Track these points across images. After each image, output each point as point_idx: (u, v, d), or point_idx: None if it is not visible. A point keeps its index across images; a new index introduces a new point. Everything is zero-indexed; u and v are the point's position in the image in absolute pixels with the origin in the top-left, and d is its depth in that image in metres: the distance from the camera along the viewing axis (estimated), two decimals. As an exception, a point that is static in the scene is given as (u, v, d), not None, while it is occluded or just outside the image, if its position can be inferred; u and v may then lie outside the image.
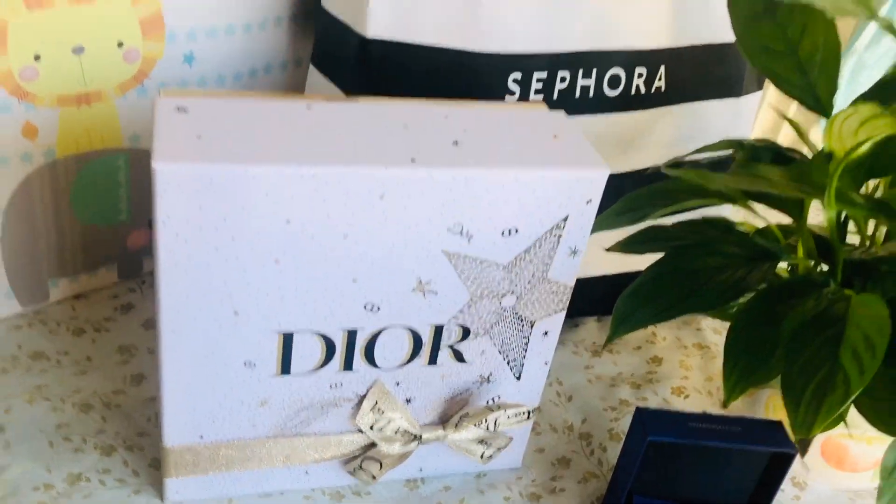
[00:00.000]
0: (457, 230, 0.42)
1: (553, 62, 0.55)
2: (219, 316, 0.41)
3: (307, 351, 0.44)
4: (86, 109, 0.54)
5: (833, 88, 0.47)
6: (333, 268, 0.41)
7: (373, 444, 0.48)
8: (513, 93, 0.54)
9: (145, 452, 0.50)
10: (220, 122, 0.40)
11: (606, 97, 0.58)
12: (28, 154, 0.53)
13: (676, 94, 0.61)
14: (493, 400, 0.49)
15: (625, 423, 0.58)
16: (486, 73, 0.53)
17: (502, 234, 0.43)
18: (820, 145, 0.47)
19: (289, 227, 0.40)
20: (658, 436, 0.45)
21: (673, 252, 0.44)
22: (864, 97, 0.43)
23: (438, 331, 0.45)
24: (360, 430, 0.48)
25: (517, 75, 0.54)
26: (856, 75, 0.86)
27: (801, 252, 0.47)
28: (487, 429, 0.49)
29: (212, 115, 0.41)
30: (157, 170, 0.37)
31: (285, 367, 0.44)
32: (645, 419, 0.46)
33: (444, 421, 0.49)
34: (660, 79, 0.59)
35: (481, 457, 0.51)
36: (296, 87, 0.64)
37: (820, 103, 0.47)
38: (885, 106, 0.37)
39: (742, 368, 0.39)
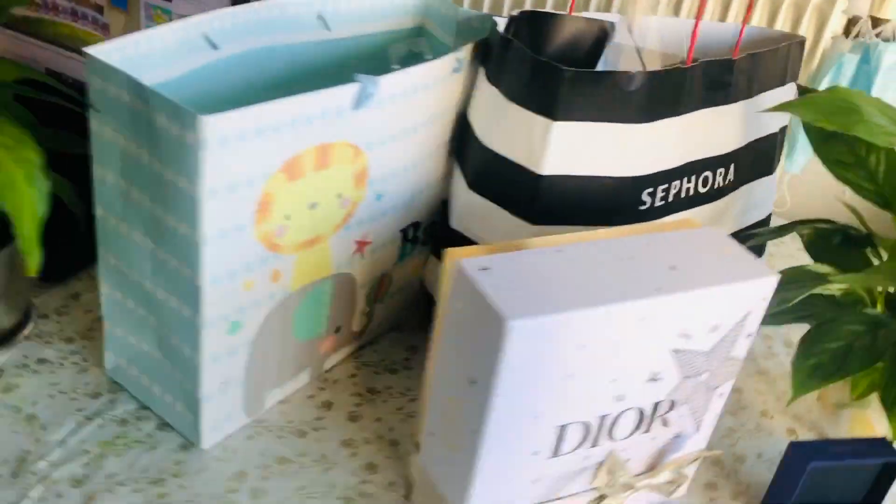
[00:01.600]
0: (683, 334, 0.56)
1: (671, 175, 0.70)
2: (524, 419, 0.54)
3: (573, 436, 0.57)
4: (311, 250, 0.64)
5: (898, 192, 0.65)
6: (602, 373, 0.55)
7: (602, 497, 0.62)
8: (644, 203, 0.69)
9: (411, 530, 0.62)
10: (515, 276, 0.52)
11: (700, 194, 0.73)
12: (272, 294, 0.63)
13: (739, 181, 0.78)
14: (679, 448, 0.64)
15: (741, 447, 0.74)
16: (627, 192, 0.67)
17: (709, 330, 0.57)
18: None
19: (581, 350, 0.53)
20: (819, 461, 0.61)
21: (815, 330, 0.61)
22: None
23: (656, 406, 0.60)
24: (595, 489, 0.61)
25: (649, 189, 0.68)
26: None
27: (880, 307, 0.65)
28: (677, 472, 0.64)
29: (506, 271, 0.53)
30: (513, 327, 0.49)
31: (556, 451, 0.57)
32: (804, 450, 0.62)
33: (648, 470, 0.64)
34: (731, 172, 0.76)
35: (668, 492, 0.65)
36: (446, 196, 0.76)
37: (888, 203, 0.65)
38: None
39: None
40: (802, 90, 0.73)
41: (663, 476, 0.63)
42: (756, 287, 0.57)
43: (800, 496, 0.65)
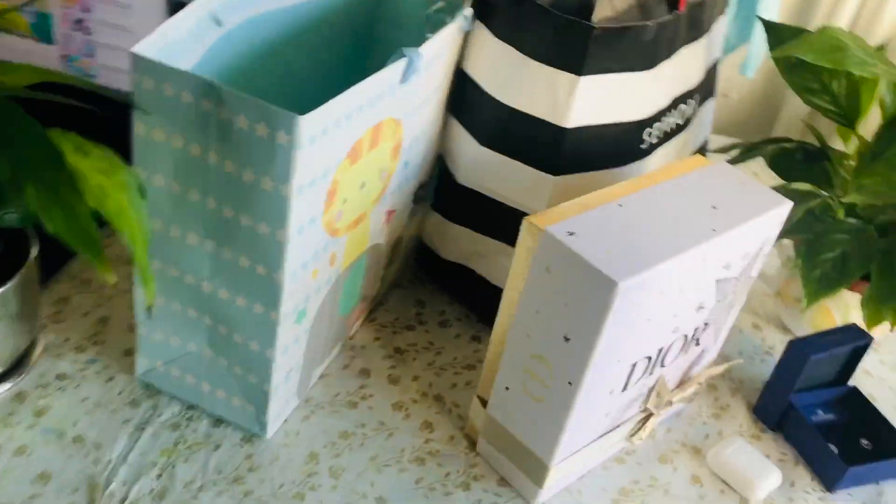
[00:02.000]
0: (725, 265, 0.62)
1: (664, 112, 0.75)
2: (611, 363, 0.58)
3: (639, 370, 0.63)
4: (357, 229, 0.63)
5: (857, 114, 0.74)
6: (669, 311, 0.60)
7: (649, 415, 0.68)
8: (644, 142, 0.73)
9: (487, 479, 0.65)
10: (600, 237, 0.56)
11: (679, 125, 0.79)
12: (330, 277, 0.62)
13: (698, 107, 0.84)
14: (701, 362, 0.72)
15: (727, 349, 0.83)
16: (633, 134, 0.72)
17: (741, 258, 0.64)
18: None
19: (661, 295, 0.57)
20: (816, 353, 0.71)
21: (811, 244, 0.69)
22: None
23: (696, 330, 0.66)
24: (646, 409, 0.68)
25: (649, 129, 0.73)
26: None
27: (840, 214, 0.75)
28: (700, 384, 0.72)
29: (589, 233, 0.56)
30: (622, 287, 0.52)
31: (625, 387, 0.63)
32: (803, 345, 0.72)
33: (679, 385, 0.71)
34: (696, 101, 0.82)
35: (690, 400, 0.73)
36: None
37: (851, 123, 0.74)
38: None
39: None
40: (767, 24, 0.79)
41: (692, 389, 0.71)
42: (777, 214, 0.65)
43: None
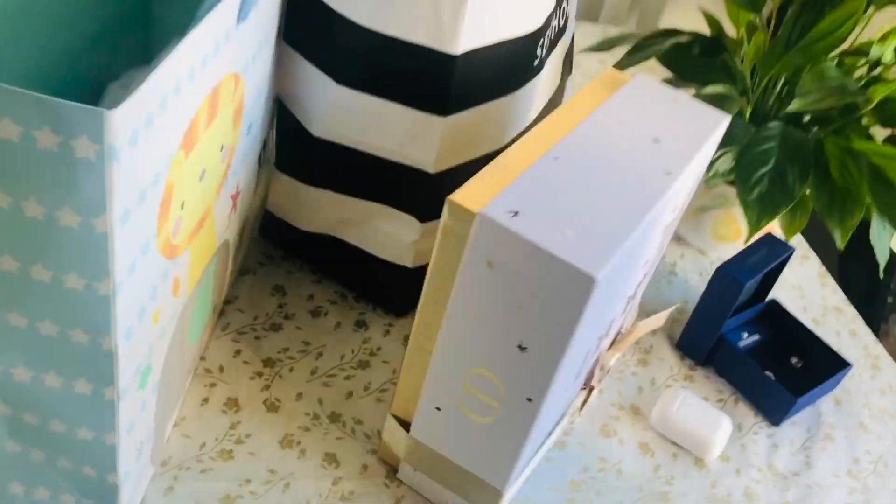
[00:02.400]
0: (674, 208, 0.51)
1: (550, 19, 0.60)
2: (573, 363, 0.46)
3: (591, 353, 0.50)
4: (200, 234, 0.45)
5: (764, -5, 0.63)
6: (628, 281, 0.48)
7: (591, 389, 0.57)
8: (537, 57, 0.59)
9: (420, 511, 0.52)
10: (547, 213, 0.42)
11: (561, 28, 0.65)
12: (174, 311, 0.44)
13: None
14: (631, 310, 0.61)
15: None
16: (526, 50, 0.57)
17: (688, 195, 0.53)
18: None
19: (627, 271, 0.45)
20: (745, 279, 0.62)
21: (742, 159, 0.59)
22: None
23: (637, 287, 0.55)
24: (587, 385, 0.56)
25: (541, 41, 0.58)
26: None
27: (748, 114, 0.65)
28: (637, 340, 0.61)
29: (534, 209, 0.42)
30: (599, 281, 0.39)
31: (578, 374, 0.50)
32: (731, 271, 0.63)
33: (612, 345, 0.60)
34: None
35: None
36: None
37: (757, 6, 0.63)
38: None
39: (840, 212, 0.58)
40: None
41: (626, 344, 0.61)
42: (717, 133, 0.53)
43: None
